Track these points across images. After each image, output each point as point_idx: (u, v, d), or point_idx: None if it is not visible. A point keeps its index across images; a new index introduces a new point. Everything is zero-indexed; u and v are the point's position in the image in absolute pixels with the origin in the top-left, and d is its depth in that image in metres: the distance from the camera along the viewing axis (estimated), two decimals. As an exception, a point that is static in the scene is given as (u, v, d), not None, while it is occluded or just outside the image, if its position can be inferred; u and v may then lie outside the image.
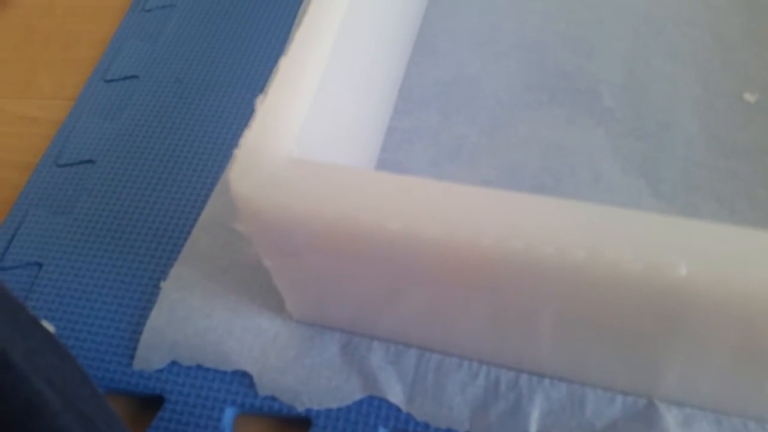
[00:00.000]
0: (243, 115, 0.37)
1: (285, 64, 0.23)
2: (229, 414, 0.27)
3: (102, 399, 0.18)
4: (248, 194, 0.20)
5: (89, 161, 0.36)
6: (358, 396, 0.26)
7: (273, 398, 0.27)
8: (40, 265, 0.32)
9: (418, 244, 0.19)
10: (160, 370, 0.28)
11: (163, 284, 0.30)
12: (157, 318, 0.29)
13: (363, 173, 0.20)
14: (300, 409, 0.26)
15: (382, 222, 0.19)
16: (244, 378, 0.27)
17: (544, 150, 0.32)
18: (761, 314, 0.17)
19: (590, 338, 0.22)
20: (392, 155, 0.33)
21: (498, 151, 0.33)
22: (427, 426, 0.26)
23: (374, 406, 0.26)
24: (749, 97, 0.33)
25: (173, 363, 0.28)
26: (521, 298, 0.21)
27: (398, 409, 0.26)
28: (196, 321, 0.28)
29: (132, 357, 0.29)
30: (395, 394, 0.26)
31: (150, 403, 0.28)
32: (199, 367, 0.28)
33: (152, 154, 0.36)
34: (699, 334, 0.20)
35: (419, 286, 0.22)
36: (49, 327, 0.21)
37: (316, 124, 0.23)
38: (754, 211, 0.29)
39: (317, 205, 0.19)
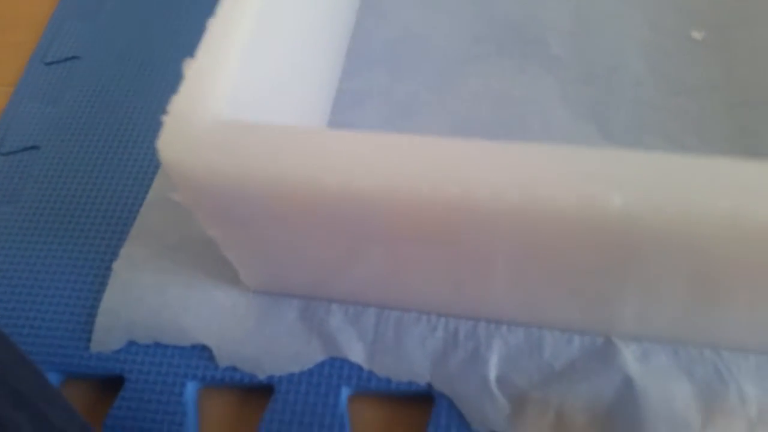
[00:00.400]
0: (188, 88, 0.36)
1: (213, 25, 0.22)
2: (190, 388, 0.27)
3: (41, 376, 0.17)
4: (177, 160, 0.19)
5: (33, 147, 0.35)
6: (319, 359, 0.26)
7: (234, 369, 0.27)
8: (-12, 255, 0.31)
9: (356, 199, 0.19)
10: (118, 351, 0.28)
11: (114, 265, 0.29)
12: (110, 299, 0.28)
13: (296, 130, 0.20)
14: (261, 376, 0.26)
15: (317, 179, 0.19)
16: (203, 351, 0.27)
17: (494, 102, 0.32)
18: (701, 239, 0.17)
19: (541, 280, 0.22)
20: (343, 117, 0.33)
21: (449, 105, 0.32)
22: (389, 381, 0.26)
23: (336, 367, 0.26)
24: (696, 35, 0.33)
25: (131, 342, 0.28)
26: (468, 245, 0.20)
27: (360, 368, 0.26)
28: (150, 299, 0.28)
29: (89, 340, 0.28)
30: (356, 354, 0.26)
31: (111, 384, 0.28)
32: (157, 344, 0.27)
33: (97, 135, 0.35)
34: (646, 265, 0.20)
35: (367, 243, 0.22)
36: None
37: (250, 84, 0.22)
38: (704, 146, 0.29)
39: (250, 165, 0.19)
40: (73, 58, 0.39)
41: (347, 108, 0.33)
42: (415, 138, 0.19)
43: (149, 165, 0.33)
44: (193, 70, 0.21)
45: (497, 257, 0.21)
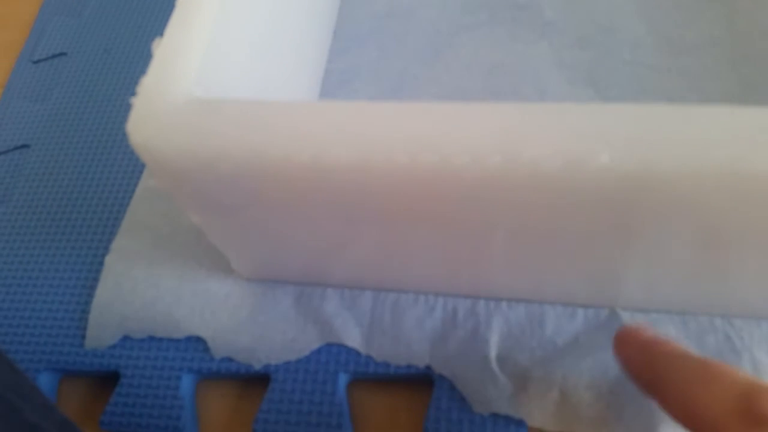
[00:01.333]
0: (176, 78, 0.35)
1: (181, 2, 0.22)
2: (186, 381, 0.26)
3: (15, 371, 0.17)
4: (146, 142, 0.18)
5: (24, 146, 0.35)
6: (315, 345, 0.26)
7: (230, 359, 0.26)
8: (-18, 257, 0.31)
9: (329, 172, 0.18)
10: (113, 346, 0.27)
11: (106, 259, 0.29)
12: (102, 294, 0.28)
13: (269, 105, 0.19)
14: (257, 366, 0.25)
15: (290, 153, 0.18)
16: (198, 343, 0.27)
17: (487, 71, 0.30)
18: (698, 194, 0.16)
19: (537, 251, 0.21)
20: (332, 97, 0.32)
21: (440, 79, 0.31)
22: (387, 365, 0.25)
23: (333, 353, 0.25)
24: (697, -9, 0.32)
25: (125, 337, 0.27)
26: (455, 216, 0.19)
27: (357, 353, 0.25)
28: (142, 292, 0.27)
29: (84, 337, 0.28)
30: (353, 339, 0.25)
31: (107, 381, 0.27)
32: (151, 338, 0.27)
33: (86, 131, 0.34)
34: (644, 227, 0.18)
35: (349, 221, 0.21)
36: None
37: (224, 63, 0.21)
38: (707, 104, 0.28)
39: (221, 143, 0.18)
40: (61, 54, 0.38)
41: (336, 87, 0.32)
42: (389, 105, 0.18)
43: (139, 158, 0.32)
44: (161, 49, 0.20)
45: (487, 229, 0.20)
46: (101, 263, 0.29)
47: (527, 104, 0.17)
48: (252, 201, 0.20)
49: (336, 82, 0.32)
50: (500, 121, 0.17)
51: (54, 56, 0.38)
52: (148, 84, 0.20)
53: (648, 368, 0.19)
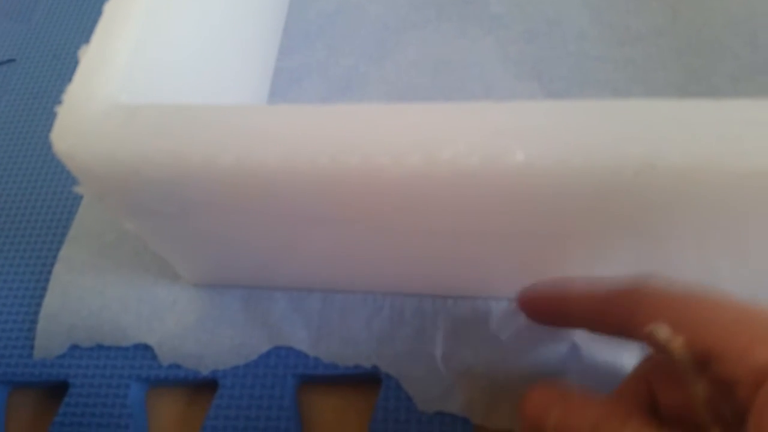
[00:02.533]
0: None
1: (108, 7, 0.21)
2: (135, 389, 0.26)
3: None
4: (69, 150, 0.18)
5: (-29, 155, 0.34)
6: (263, 349, 0.25)
7: (178, 366, 0.26)
8: (-72, 270, 0.31)
9: (254, 176, 0.18)
10: (62, 356, 0.27)
11: (54, 268, 0.28)
12: (50, 303, 0.27)
13: (190, 109, 0.18)
14: (205, 372, 0.25)
15: (212, 157, 0.17)
16: (146, 351, 0.26)
17: (434, 69, 0.30)
18: (614, 190, 0.16)
19: (471, 248, 0.21)
20: (281, 97, 0.32)
21: (388, 77, 0.31)
22: (336, 366, 0.25)
23: (281, 356, 0.25)
24: (642, -19, 0.32)
25: (74, 347, 0.27)
26: (385, 216, 0.19)
27: (306, 356, 0.25)
28: (90, 301, 0.27)
29: (33, 348, 0.27)
30: (301, 341, 0.25)
31: (56, 391, 0.27)
32: (100, 346, 0.27)
33: (35, 138, 0.34)
34: (569, 222, 0.18)
35: (285, 224, 0.21)
36: None
37: (155, 67, 0.21)
38: (652, 95, 0.28)
39: (142, 148, 0.18)
40: (9, 61, 0.38)
41: (285, 87, 0.32)
42: (311, 107, 0.18)
43: (85, 164, 0.32)
44: (87, 56, 0.20)
45: (417, 228, 0.20)
46: (49, 273, 0.29)
47: (447, 104, 0.17)
48: (181, 206, 0.20)
49: (286, 81, 0.32)
50: (420, 121, 0.17)
51: (2, 63, 0.38)
52: (73, 91, 0.19)
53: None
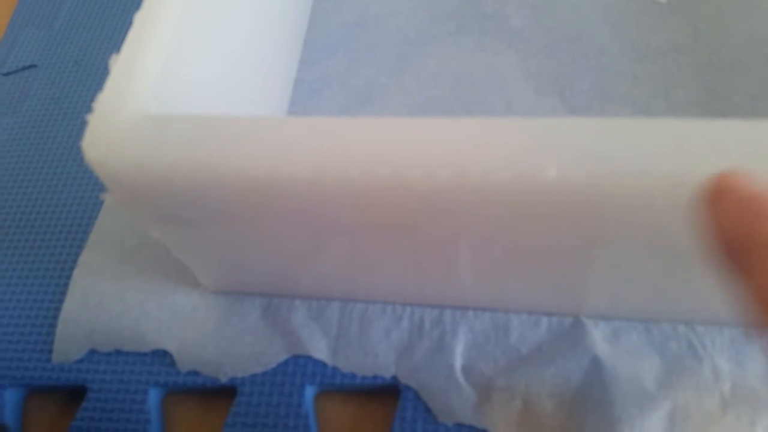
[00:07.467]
0: (146, 89, 0.35)
1: (139, 18, 0.22)
2: (153, 395, 0.26)
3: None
4: (100, 158, 0.18)
5: (-8, 158, 0.34)
6: (282, 357, 0.25)
7: (196, 373, 0.26)
8: (-52, 272, 0.31)
9: (285, 188, 0.18)
10: (80, 361, 0.27)
11: (74, 273, 0.29)
12: (69, 308, 0.28)
13: (221, 120, 0.19)
14: (224, 379, 0.25)
15: (243, 168, 0.18)
16: (165, 357, 0.26)
17: (454, 81, 0.31)
18: (646, 206, 0.16)
19: (498, 261, 0.21)
20: (301, 107, 0.32)
21: (408, 89, 0.31)
22: (354, 376, 0.25)
23: (300, 365, 0.25)
24: (662, -2, 0.32)
25: (92, 351, 0.27)
26: (414, 228, 0.19)
27: (324, 365, 0.25)
28: (109, 306, 0.27)
29: (51, 352, 0.27)
30: (320, 350, 0.25)
31: (74, 396, 0.27)
32: (118, 352, 0.27)
33: (56, 144, 0.34)
34: (600, 238, 0.19)
35: (312, 235, 0.21)
36: None
37: (183, 78, 0.21)
38: (673, 112, 0.28)
39: (173, 158, 0.18)
40: (31, 66, 0.38)
41: (306, 98, 0.32)
42: (343, 120, 0.18)
43: (106, 170, 0.32)
44: (118, 65, 0.20)
45: (446, 240, 0.20)
46: (69, 277, 0.29)
47: (478, 118, 0.17)
48: (209, 216, 0.20)
49: (306, 92, 0.32)
50: (451, 135, 0.17)
51: (24, 68, 0.38)
52: (104, 100, 0.20)
53: (745, 232, 0.13)
